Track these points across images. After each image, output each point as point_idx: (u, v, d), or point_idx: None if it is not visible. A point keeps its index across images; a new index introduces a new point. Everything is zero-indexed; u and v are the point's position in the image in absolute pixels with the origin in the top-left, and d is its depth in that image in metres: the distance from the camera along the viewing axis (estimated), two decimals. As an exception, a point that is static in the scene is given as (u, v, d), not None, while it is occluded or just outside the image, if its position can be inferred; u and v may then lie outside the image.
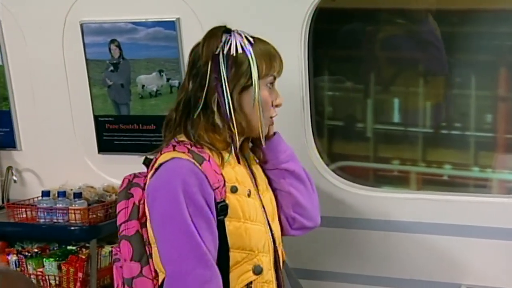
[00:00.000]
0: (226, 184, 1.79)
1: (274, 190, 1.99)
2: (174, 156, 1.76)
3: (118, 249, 1.86)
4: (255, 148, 1.98)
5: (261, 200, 1.89)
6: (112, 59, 2.94)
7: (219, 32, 1.87)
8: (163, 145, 1.85)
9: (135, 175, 1.91)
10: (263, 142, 1.89)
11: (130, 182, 1.89)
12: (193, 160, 1.75)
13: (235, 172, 1.84)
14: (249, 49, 1.83)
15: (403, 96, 3.32)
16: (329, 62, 3.36)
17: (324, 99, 3.46)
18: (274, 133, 1.98)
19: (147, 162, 1.87)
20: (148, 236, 1.83)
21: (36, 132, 3.19)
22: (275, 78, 1.89)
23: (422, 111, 3.26)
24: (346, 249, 2.78)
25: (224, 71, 1.81)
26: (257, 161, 1.99)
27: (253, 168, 1.93)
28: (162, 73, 2.89)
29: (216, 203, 1.76)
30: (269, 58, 1.86)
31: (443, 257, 2.65)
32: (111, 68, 2.95)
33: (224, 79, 1.80)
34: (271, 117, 1.92)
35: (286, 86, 2.70)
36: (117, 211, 1.87)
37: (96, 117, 3.03)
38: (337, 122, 3.50)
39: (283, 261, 1.99)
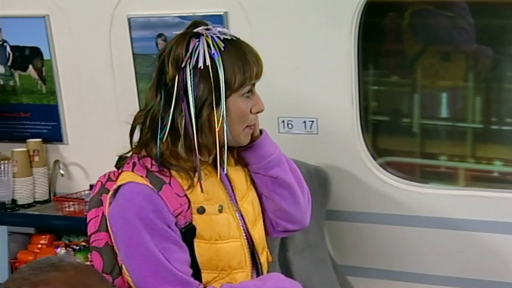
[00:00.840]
0: (192, 205, 1.64)
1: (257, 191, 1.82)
2: (131, 180, 1.63)
3: (91, 257, 1.78)
4: (233, 150, 1.76)
5: (239, 210, 1.73)
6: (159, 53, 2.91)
7: (186, 39, 1.64)
8: (131, 154, 1.70)
9: (109, 177, 1.77)
10: (224, 167, 1.68)
11: (103, 186, 1.76)
12: (150, 186, 1.61)
13: (203, 188, 1.66)
14: (219, 60, 1.61)
15: (451, 90, 3.24)
16: (373, 55, 3.30)
17: (369, 93, 3.40)
18: (261, 132, 1.76)
19: (118, 166, 1.74)
20: None
21: (82, 126, 3.18)
22: (254, 85, 1.69)
23: (471, 106, 3.18)
24: (394, 246, 2.72)
25: (191, 89, 1.60)
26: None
27: (230, 173, 1.73)
28: (209, 67, 2.86)
29: (181, 229, 1.63)
30: (243, 66, 1.64)
31: (496, 255, 2.58)
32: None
33: (192, 99, 1.60)
34: (249, 126, 1.69)
35: (335, 80, 2.67)
36: (87, 219, 1.76)
37: (142, 112, 3.01)
38: (382, 117, 3.43)
39: (269, 264, 1.84)
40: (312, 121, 2.74)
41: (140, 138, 1.68)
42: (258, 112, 1.70)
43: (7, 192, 3.02)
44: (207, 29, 1.65)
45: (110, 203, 1.65)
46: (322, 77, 2.68)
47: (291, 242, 2.42)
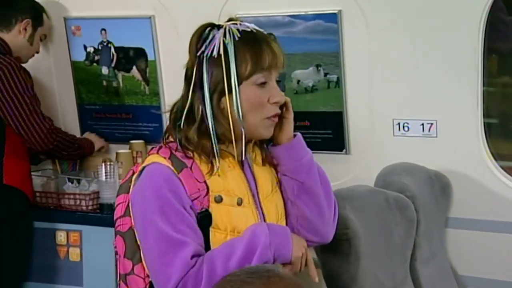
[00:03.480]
0: (210, 193, 1.63)
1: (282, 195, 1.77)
2: (154, 160, 1.64)
3: (115, 242, 1.77)
4: (262, 148, 1.76)
5: (260, 207, 1.68)
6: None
7: (203, 29, 1.68)
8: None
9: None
10: (243, 154, 1.66)
11: (133, 174, 1.75)
12: (171, 167, 1.61)
13: (223, 179, 1.65)
14: (231, 48, 1.62)
15: None
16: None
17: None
18: (295, 135, 1.73)
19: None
20: None
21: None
22: (271, 75, 1.66)
23: None
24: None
25: (206, 76, 1.62)
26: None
27: (255, 170, 1.71)
28: (319, 68, 2.69)
29: (196, 214, 1.61)
30: (255, 54, 1.64)
31: None
32: (266, 63, 2.77)
33: (206, 86, 1.62)
34: (268, 118, 1.66)
35: (459, 80, 2.45)
36: (115, 204, 1.77)
37: (247, 113, 2.86)
38: (489, 120, 3.20)
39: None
40: (431, 124, 2.53)
41: (167, 126, 1.72)
42: (276, 103, 1.66)
43: (113, 193, 2.90)
44: (234, 23, 1.68)
45: (134, 184, 1.67)
46: (444, 77, 2.47)
47: (418, 252, 2.22)
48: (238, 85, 1.62)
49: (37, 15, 2.91)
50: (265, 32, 1.71)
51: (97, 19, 3.05)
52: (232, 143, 1.63)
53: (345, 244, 1.84)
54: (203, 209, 1.61)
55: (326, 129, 2.73)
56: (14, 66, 2.76)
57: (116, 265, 1.79)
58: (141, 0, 2.94)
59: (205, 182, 1.62)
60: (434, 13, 2.43)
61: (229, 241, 1.61)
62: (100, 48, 3.09)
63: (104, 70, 3.12)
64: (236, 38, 1.63)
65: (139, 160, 3.07)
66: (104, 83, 3.14)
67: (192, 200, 1.61)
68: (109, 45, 3.07)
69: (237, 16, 2.68)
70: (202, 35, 1.66)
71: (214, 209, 1.62)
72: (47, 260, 2.90)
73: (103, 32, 3.07)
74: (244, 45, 1.63)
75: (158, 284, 1.61)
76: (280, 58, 1.67)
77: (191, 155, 1.63)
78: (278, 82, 1.69)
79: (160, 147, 1.68)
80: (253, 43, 1.65)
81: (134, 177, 1.69)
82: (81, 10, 3.06)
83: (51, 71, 3.21)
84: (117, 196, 1.77)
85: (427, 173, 2.42)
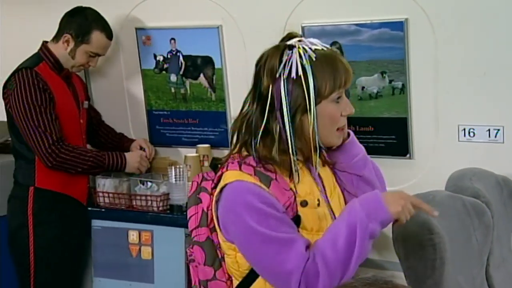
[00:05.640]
0: (297, 198, 1.62)
1: (340, 187, 1.78)
2: (238, 178, 1.60)
3: (192, 251, 1.73)
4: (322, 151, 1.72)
5: (330, 205, 1.69)
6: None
7: (280, 51, 1.62)
8: (229, 155, 1.67)
9: (203, 177, 1.74)
10: (317, 166, 1.65)
11: (199, 186, 1.73)
12: (259, 183, 1.58)
13: (303, 184, 1.65)
14: (309, 70, 1.58)
15: None
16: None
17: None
18: (348, 135, 1.73)
19: (213, 166, 1.73)
20: (218, 241, 1.68)
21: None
22: (344, 90, 1.65)
23: None
24: None
25: (285, 97, 1.59)
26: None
27: (320, 172, 1.71)
28: (384, 75, 2.56)
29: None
30: (333, 74, 1.61)
31: None
32: (331, 70, 2.65)
33: (286, 106, 1.58)
34: (340, 129, 1.67)
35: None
36: (188, 216, 1.73)
37: (311, 119, 2.74)
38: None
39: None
40: (498, 130, 2.38)
41: (237, 141, 1.66)
42: (348, 115, 1.67)
43: (183, 195, 2.82)
44: (300, 41, 1.64)
45: (217, 201, 1.63)
46: (511, 82, 2.32)
47: (491, 257, 2.07)
48: (318, 103, 1.61)
49: (82, 33, 2.81)
50: (331, 47, 1.70)
51: (167, 29, 2.97)
52: (303, 155, 1.63)
53: (430, 250, 1.71)
54: (294, 214, 1.61)
55: (390, 134, 2.61)
56: (26, 81, 2.71)
57: (189, 271, 1.76)
58: (209, 10, 2.85)
59: (291, 189, 1.61)
60: (500, 18, 2.29)
61: (330, 226, 1.59)
62: (169, 56, 3.01)
63: (173, 78, 3.04)
64: (313, 59, 1.60)
65: (205, 163, 2.99)
66: (173, 90, 3.06)
67: (286, 209, 1.59)
68: (178, 53, 2.99)
69: (303, 25, 2.65)
70: (278, 56, 1.61)
71: (302, 212, 1.62)
72: (120, 258, 2.84)
73: (172, 41, 2.99)
74: (321, 65, 1.61)
75: (280, 284, 1.57)
76: (351, 73, 1.66)
77: (273, 169, 1.61)
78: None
79: (240, 163, 1.62)
80: (329, 62, 1.62)
81: (215, 193, 1.64)
82: (152, 21, 2.99)
83: (122, 79, 3.14)
84: (188, 209, 1.74)
85: (495, 178, 2.28)
